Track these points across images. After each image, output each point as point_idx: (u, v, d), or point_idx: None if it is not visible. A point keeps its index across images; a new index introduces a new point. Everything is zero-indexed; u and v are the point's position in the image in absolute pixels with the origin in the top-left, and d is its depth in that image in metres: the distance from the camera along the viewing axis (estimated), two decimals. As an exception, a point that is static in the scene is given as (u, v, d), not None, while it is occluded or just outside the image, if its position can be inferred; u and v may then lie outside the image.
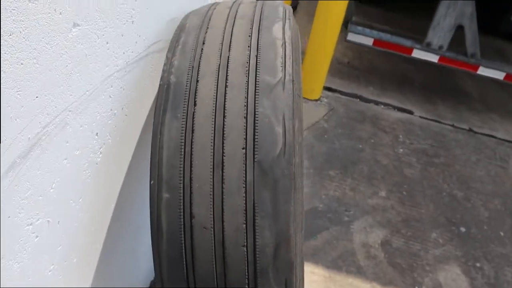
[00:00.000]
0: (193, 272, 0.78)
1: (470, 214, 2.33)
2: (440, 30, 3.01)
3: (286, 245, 0.75)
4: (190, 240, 0.76)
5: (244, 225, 0.74)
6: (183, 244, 0.77)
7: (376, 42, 3.22)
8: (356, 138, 2.75)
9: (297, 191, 0.78)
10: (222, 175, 0.75)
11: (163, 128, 0.80)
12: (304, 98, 3.09)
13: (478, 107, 3.56)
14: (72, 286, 0.93)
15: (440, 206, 2.33)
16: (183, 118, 0.78)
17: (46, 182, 0.74)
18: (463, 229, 2.21)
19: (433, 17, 2.96)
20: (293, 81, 0.81)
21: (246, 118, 0.76)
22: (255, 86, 0.79)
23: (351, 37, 3.23)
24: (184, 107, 0.79)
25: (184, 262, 0.78)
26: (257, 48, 0.84)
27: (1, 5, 0.51)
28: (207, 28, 0.91)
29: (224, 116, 0.77)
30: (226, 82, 0.80)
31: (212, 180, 0.75)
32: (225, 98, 0.78)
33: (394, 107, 3.23)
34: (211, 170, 0.75)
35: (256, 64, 0.81)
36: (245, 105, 0.77)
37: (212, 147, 0.76)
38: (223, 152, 0.75)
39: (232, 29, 0.89)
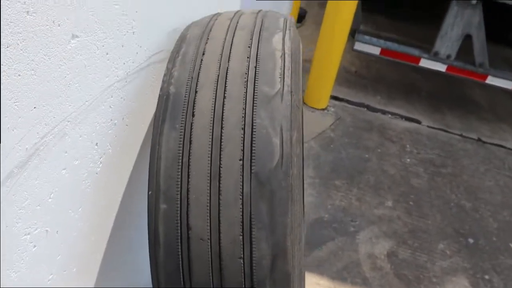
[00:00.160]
0: (190, 283, 0.78)
1: (479, 225, 2.29)
2: (447, 40, 3.00)
3: (283, 257, 0.74)
4: (187, 252, 0.76)
5: (241, 237, 0.74)
6: (180, 256, 0.77)
7: (383, 51, 3.21)
8: (362, 148, 2.73)
9: (295, 203, 0.78)
10: (219, 187, 0.74)
11: (162, 138, 0.80)
12: (311, 107, 3.08)
13: (487, 117, 3.51)
14: (71, 296, 0.93)
15: (448, 217, 2.30)
16: (181, 129, 0.79)
17: (45, 192, 0.74)
18: (471, 241, 2.18)
19: (441, 26, 2.95)
20: (291, 92, 0.81)
21: (243, 129, 0.76)
22: (253, 97, 0.79)
23: (358, 46, 3.23)
24: (182, 117, 0.80)
25: (181, 274, 0.77)
26: (256, 59, 0.84)
27: (1, 18, 0.52)
28: (207, 39, 0.91)
29: (221, 127, 0.77)
30: (224, 93, 0.80)
31: (209, 192, 0.75)
32: (223, 109, 0.78)
33: (402, 117, 3.20)
34: (208, 181, 0.75)
35: (255, 75, 0.81)
36: (243, 116, 0.77)
37: (209, 158, 0.76)
38: (220, 163, 0.75)
39: (232, 40, 0.89)
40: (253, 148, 0.75)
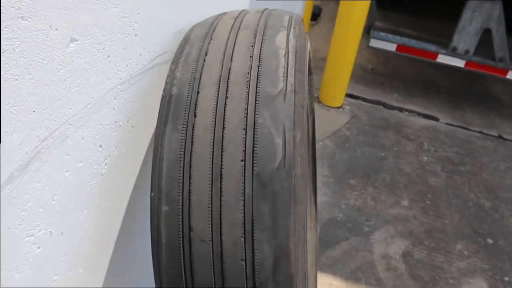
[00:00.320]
0: (193, 285, 0.77)
1: (498, 225, 2.22)
2: (466, 34, 2.92)
3: (285, 259, 0.73)
4: (189, 254, 0.76)
5: (243, 239, 0.73)
6: (182, 258, 0.76)
7: (400, 47, 3.16)
8: (378, 146, 2.69)
9: (299, 204, 0.76)
10: (221, 188, 0.74)
11: (164, 139, 0.79)
12: (326, 105, 3.05)
13: (509, 113, 3.41)
14: (79, 297, 0.94)
15: (466, 217, 2.24)
16: (183, 130, 0.78)
17: (47, 194, 0.74)
18: (490, 241, 2.11)
19: (458, 20, 2.88)
20: (295, 91, 0.80)
21: (245, 129, 0.75)
22: (256, 97, 0.77)
23: (374, 43, 3.18)
24: (184, 118, 0.79)
25: (184, 276, 0.77)
26: (259, 58, 0.83)
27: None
28: (211, 39, 0.91)
29: (223, 128, 0.76)
30: (226, 93, 0.79)
31: (210, 193, 0.74)
32: (225, 110, 0.77)
33: (419, 114, 3.14)
34: (210, 182, 0.74)
35: (258, 75, 0.80)
36: (245, 117, 0.76)
37: (211, 159, 0.75)
38: (221, 164, 0.74)
39: (235, 39, 0.89)
40: (255, 149, 0.74)
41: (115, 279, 1.07)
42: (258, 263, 0.72)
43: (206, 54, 0.87)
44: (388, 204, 2.22)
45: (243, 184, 0.73)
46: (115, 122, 0.89)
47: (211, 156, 0.75)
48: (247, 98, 0.78)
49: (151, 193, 0.79)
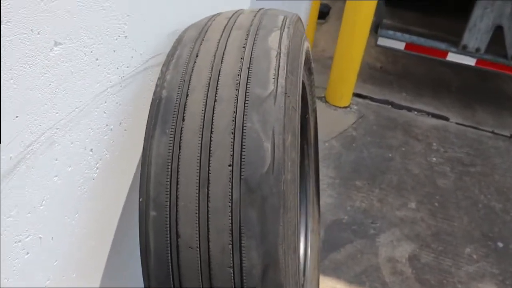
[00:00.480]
0: (181, 292, 0.76)
1: (509, 228, 2.17)
2: (476, 32, 2.86)
3: (274, 266, 0.71)
4: (177, 260, 0.74)
5: (230, 246, 0.71)
6: (170, 264, 0.75)
7: (408, 46, 3.10)
8: (386, 147, 2.65)
9: (288, 210, 0.74)
10: (208, 193, 0.72)
11: (152, 143, 0.78)
12: (333, 105, 3.02)
13: (522, 112, 3.34)
14: (72, 301, 0.94)
15: (476, 219, 2.19)
16: (171, 134, 0.77)
17: (35, 199, 0.74)
18: (500, 244, 2.06)
19: (469, 18, 2.82)
20: (286, 93, 0.78)
21: (233, 133, 0.73)
22: (245, 100, 0.76)
23: (382, 41, 3.13)
24: (173, 122, 0.78)
25: (172, 282, 0.75)
26: (250, 59, 0.81)
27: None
28: (203, 40, 0.89)
29: (211, 132, 0.74)
30: (215, 96, 0.77)
31: (197, 199, 0.73)
32: (213, 113, 0.76)
33: (428, 114, 3.09)
34: (197, 188, 0.73)
35: (248, 77, 0.78)
36: (233, 120, 0.74)
37: (198, 164, 0.73)
38: (209, 169, 0.73)
39: (227, 40, 0.87)
40: (243, 153, 0.72)
41: (109, 284, 1.07)
42: (246, 270, 0.71)
43: (197, 56, 0.85)
44: (395, 206, 2.18)
45: (230, 190, 0.71)
46: (106, 125, 0.89)
47: (198, 161, 0.73)
48: (236, 100, 0.76)
49: (139, 198, 0.78)
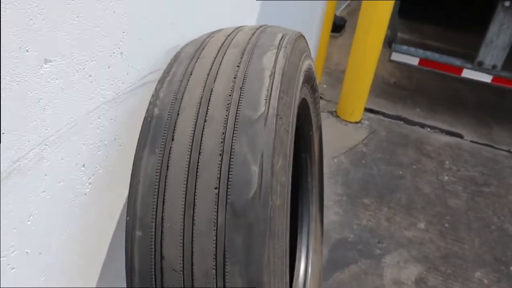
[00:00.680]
0: (164, 315, 0.74)
1: (523, 253, 2.09)
2: (493, 48, 2.80)
3: (259, 294, 0.69)
4: (161, 283, 0.73)
5: (214, 270, 0.69)
6: (154, 285, 0.73)
7: (422, 61, 3.06)
8: (396, 164, 2.60)
9: (276, 236, 0.72)
10: (193, 216, 0.71)
11: (141, 162, 0.77)
12: (344, 120, 2.99)
13: (540, 132, 3.24)
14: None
15: (488, 242, 2.12)
16: (159, 154, 0.76)
17: (22, 215, 0.73)
18: (513, 270, 1.99)
19: (485, 34, 2.76)
20: (277, 115, 0.76)
21: (221, 155, 0.72)
22: (235, 121, 0.74)
23: (395, 57, 3.10)
24: (162, 141, 0.77)
25: (155, 305, 0.74)
26: (243, 79, 0.80)
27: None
28: (198, 57, 0.89)
29: (199, 153, 0.73)
30: (206, 116, 0.76)
31: (183, 221, 0.71)
32: (202, 133, 0.75)
33: (442, 131, 3.02)
34: (183, 210, 0.71)
35: (239, 97, 0.77)
36: (221, 142, 0.73)
37: (185, 186, 0.72)
38: (195, 191, 0.71)
39: (222, 59, 0.86)
40: (230, 176, 0.70)
41: (100, 299, 1.06)
42: (229, 296, 0.69)
43: (191, 74, 0.85)
44: (403, 225, 2.13)
45: (215, 214, 0.70)
46: (100, 141, 0.88)
47: (185, 182, 0.72)
48: (226, 121, 0.75)
49: (126, 217, 0.77)
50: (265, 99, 0.76)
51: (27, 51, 0.63)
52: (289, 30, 1.02)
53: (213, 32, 1.02)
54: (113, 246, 1.04)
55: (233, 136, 0.73)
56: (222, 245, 0.69)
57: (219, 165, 0.71)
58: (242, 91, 0.78)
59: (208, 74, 0.83)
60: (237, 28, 1.02)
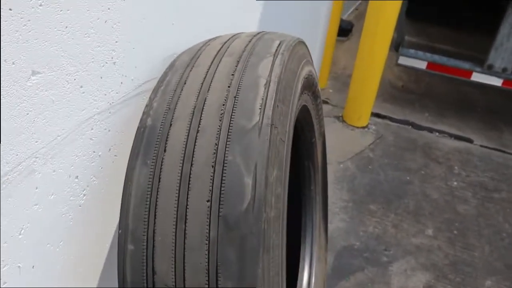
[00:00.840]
0: (157, 332, 0.72)
1: (535, 260, 2.03)
2: (503, 51, 2.75)
3: (252, 310, 0.66)
4: (153, 298, 0.71)
5: (206, 286, 0.67)
6: (146, 301, 0.71)
7: (430, 65, 3.01)
8: (404, 169, 2.55)
9: (271, 250, 0.70)
10: (185, 230, 0.69)
11: (133, 174, 0.76)
12: (350, 125, 2.95)
13: (552, 135, 3.17)
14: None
15: (498, 249, 2.06)
16: (152, 165, 0.74)
17: (13, 229, 0.72)
18: (524, 278, 1.93)
19: (495, 36, 2.71)
20: (272, 125, 0.74)
21: (214, 166, 0.70)
22: (228, 131, 0.72)
23: (403, 60, 3.05)
24: (154, 152, 0.75)
25: (147, 321, 0.72)
26: (237, 88, 0.78)
27: None
28: (193, 66, 0.87)
29: (191, 164, 0.72)
30: (198, 126, 0.75)
31: (174, 234, 0.69)
32: (195, 144, 0.73)
33: (451, 135, 2.97)
34: (174, 223, 0.70)
35: (233, 107, 0.75)
36: (214, 153, 0.71)
37: (176, 198, 0.70)
38: (187, 204, 0.70)
39: (217, 67, 0.84)
40: (222, 189, 0.68)
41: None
42: (222, 313, 0.67)
43: (185, 83, 0.83)
44: (411, 232, 2.08)
45: (208, 227, 0.68)
46: (94, 152, 0.87)
47: (177, 195, 0.70)
48: (219, 132, 0.73)
49: (118, 230, 0.76)
50: (260, 108, 0.74)
51: (13, 63, 0.62)
52: (287, 36, 1.00)
53: (209, 40, 1.01)
54: (109, 258, 1.03)
55: (226, 147, 0.71)
56: (215, 259, 0.67)
57: (212, 177, 0.69)
58: (236, 101, 0.76)
59: (202, 83, 0.81)
60: (234, 35, 1.00)
